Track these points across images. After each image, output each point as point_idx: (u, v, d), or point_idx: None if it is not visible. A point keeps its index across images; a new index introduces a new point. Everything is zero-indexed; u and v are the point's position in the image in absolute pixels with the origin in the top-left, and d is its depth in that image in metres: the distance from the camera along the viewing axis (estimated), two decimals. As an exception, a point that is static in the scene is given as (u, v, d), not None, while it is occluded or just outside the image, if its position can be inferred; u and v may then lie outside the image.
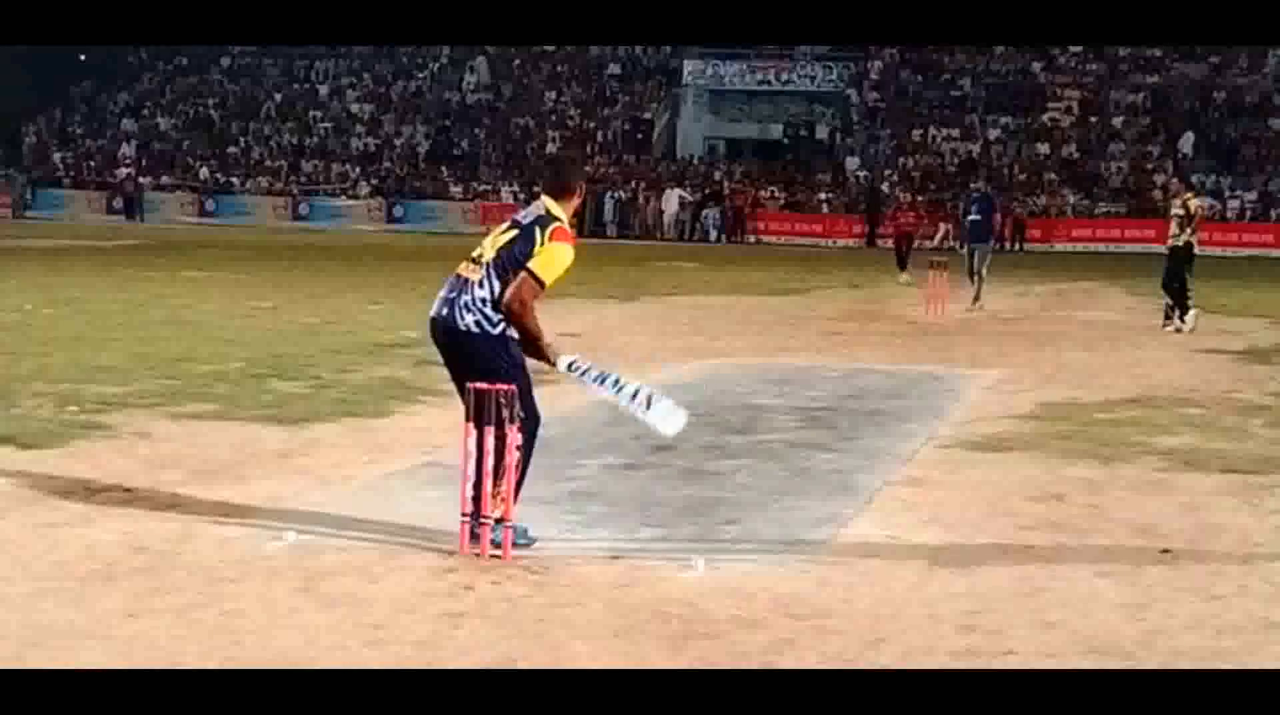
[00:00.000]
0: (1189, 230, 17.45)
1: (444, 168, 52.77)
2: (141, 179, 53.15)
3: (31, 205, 51.48)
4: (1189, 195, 18.04)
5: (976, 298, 20.33)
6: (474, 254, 6.44)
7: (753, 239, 45.37)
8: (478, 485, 6.16)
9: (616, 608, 5.51)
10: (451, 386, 6.55)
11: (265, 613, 5.36)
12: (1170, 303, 17.43)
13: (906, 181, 47.74)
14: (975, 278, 20.58)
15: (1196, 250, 17.67)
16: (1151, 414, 10.58)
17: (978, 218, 21.54)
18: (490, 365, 6.25)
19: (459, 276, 6.41)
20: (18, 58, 52.09)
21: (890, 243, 28.64)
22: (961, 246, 21.78)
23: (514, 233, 6.43)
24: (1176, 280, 17.40)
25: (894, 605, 5.61)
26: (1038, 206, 45.66)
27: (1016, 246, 41.83)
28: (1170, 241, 17.67)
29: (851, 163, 50.09)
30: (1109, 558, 6.38)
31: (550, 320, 18.77)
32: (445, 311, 6.36)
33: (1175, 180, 21.01)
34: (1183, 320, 17.15)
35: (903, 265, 25.33)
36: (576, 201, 6.65)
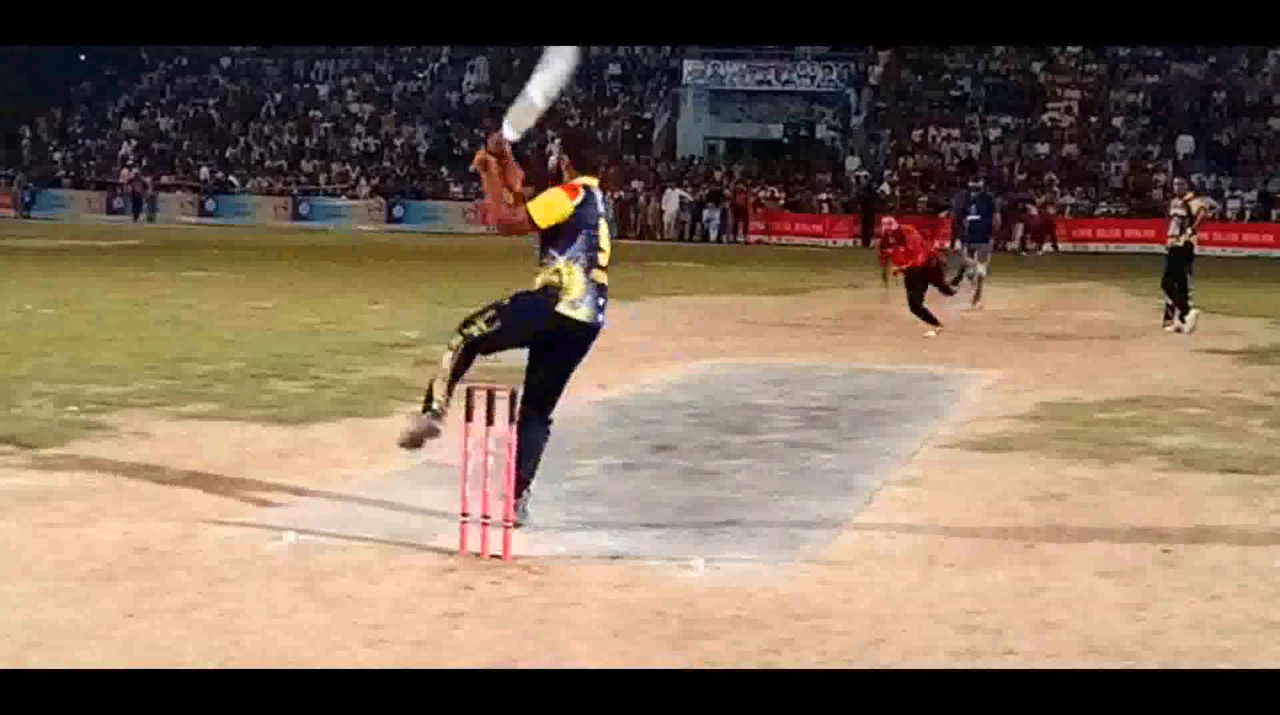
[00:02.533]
0: (1190, 231, 17.46)
1: (444, 168, 52.77)
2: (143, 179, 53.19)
3: (33, 206, 51.43)
4: (1190, 195, 18.05)
5: (977, 297, 20.32)
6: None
7: (753, 239, 45.27)
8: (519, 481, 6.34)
9: (616, 608, 5.51)
10: (456, 387, 6.58)
11: (265, 613, 5.36)
12: (1170, 303, 17.44)
13: (907, 181, 47.76)
14: (975, 278, 20.58)
15: (1196, 250, 17.67)
16: (1151, 414, 10.58)
17: (977, 218, 21.54)
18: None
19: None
20: (18, 58, 52.10)
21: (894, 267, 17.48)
22: (961, 246, 21.74)
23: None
24: (1177, 280, 17.41)
25: (894, 605, 5.61)
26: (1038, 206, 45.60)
27: (1049, 246, 41.28)
28: (1170, 241, 17.68)
29: (851, 163, 50.10)
30: (1109, 558, 6.38)
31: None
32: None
33: (1179, 181, 21.02)
34: (1183, 320, 17.16)
35: (927, 315, 16.90)
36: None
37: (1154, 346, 15.62)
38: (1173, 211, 17.88)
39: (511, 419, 6.17)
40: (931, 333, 16.57)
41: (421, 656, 4.88)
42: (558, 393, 6.73)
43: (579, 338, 6.66)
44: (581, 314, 6.60)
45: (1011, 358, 14.35)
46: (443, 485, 7.12)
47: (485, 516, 6.12)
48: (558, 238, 6.58)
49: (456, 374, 6.56)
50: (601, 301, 6.69)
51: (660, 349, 14.57)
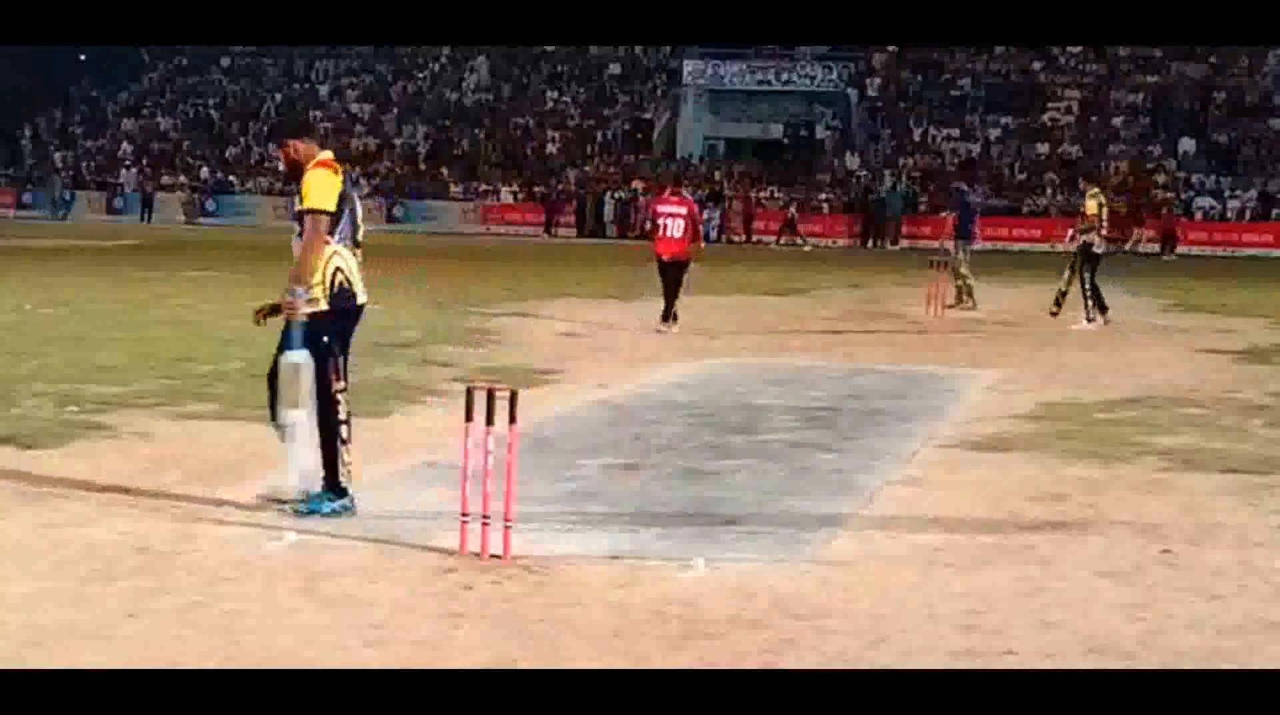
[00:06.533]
0: (1091, 230, 17.64)
1: (444, 168, 52.78)
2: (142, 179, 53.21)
3: (69, 207, 51.24)
4: (1094, 191, 18.19)
5: (966, 297, 20.16)
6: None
7: (802, 242, 44.43)
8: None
9: (616, 608, 5.52)
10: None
11: (265, 613, 5.36)
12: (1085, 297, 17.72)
13: (907, 182, 47.72)
14: (957, 276, 20.38)
15: (1098, 249, 17.78)
16: (1151, 414, 10.58)
17: (960, 215, 21.52)
18: None
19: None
20: (18, 58, 52.11)
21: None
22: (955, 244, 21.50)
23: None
24: (1087, 278, 17.62)
25: (894, 605, 5.61)
26: (1038, 206, 45.59)
27: (1169, 251, 40.68)
28: (1081, 238, 17.84)
29: (852, 162, 50.11)
30: (1109, 558, 6.38)
31: (552, 320, 18.73)
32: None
33: (1083, 178, 21.28)
34: (1089, 320, 17.49)
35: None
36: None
37: (1154, 346, 15.62)
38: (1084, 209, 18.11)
39: (512, 419, 6.16)
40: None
41: (421, 656, 4.88)
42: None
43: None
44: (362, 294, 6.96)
45: (1011, 358, 14.35)
46: (443, 485, 7.13)
47: (485, 516, 6.12)
48: (336, 220, 6.82)
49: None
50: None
51: (660, 349, 14.58)
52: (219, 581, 5.72)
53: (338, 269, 6.83)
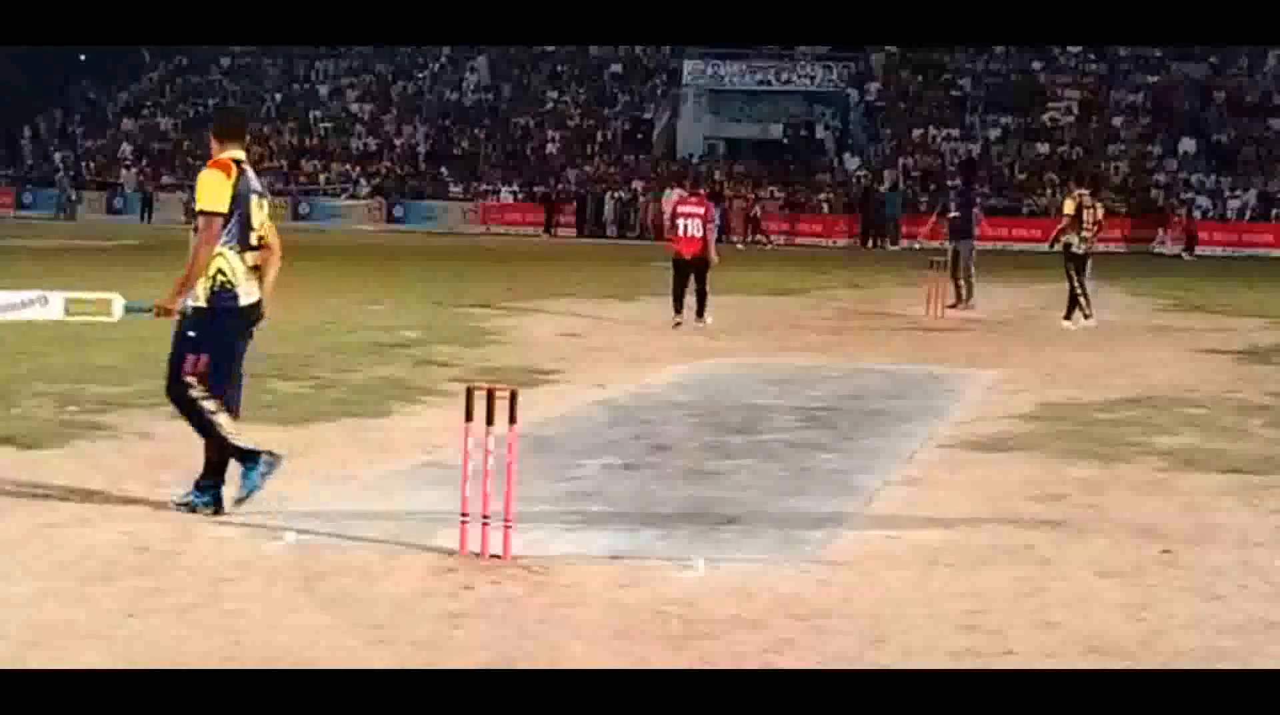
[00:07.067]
0: (1070, 232, 17.66)
1: (444, 168, 52.77)
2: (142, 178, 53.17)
3: (75, 208, 51.09)
4: (1079, 195, 18.18)
5: (967, 297, 20.17)
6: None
7: (766, 240, 44.41)
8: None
9: (616, 608, 5.52)
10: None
11: (265, 613, 5.36)
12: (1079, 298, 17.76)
13: (907, 181, 47.74)
14: (955, 273, 20.34)
15: (1077, 249, 17.72)
16: (1151, 414, 10.58)
17: (957, 214, 21.48)
18: None
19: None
20: (18, 58, 52.11)
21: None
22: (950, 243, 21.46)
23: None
24: (1069, 279, 17.65)
25: (894, 605, 5.61)
26: (1039, 206, 45.57)
27: (1188, 253, 40.31)
28: (1063, 239, 17.91)
29: (851, 162, 50.11)
30: (1109, 558, 6.39)
31: (552, 319, 18.70)
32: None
33: (1072, 183, 21.29)
34: (1068, 318, 17.56)
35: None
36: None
37: (1154, 346, 15.62)
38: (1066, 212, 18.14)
39: (512, 419, 6.16)
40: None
41: (421, 656, 4.88)
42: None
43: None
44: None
45: (1011, 358, 14.35)
46: (443, 485, 7.13)
47: (485, 516, 6.12)
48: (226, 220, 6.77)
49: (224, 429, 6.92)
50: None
51: (660, 349, 14.58)
52: (219, 581, 5.72)
53: (219, 270, 6.87)
